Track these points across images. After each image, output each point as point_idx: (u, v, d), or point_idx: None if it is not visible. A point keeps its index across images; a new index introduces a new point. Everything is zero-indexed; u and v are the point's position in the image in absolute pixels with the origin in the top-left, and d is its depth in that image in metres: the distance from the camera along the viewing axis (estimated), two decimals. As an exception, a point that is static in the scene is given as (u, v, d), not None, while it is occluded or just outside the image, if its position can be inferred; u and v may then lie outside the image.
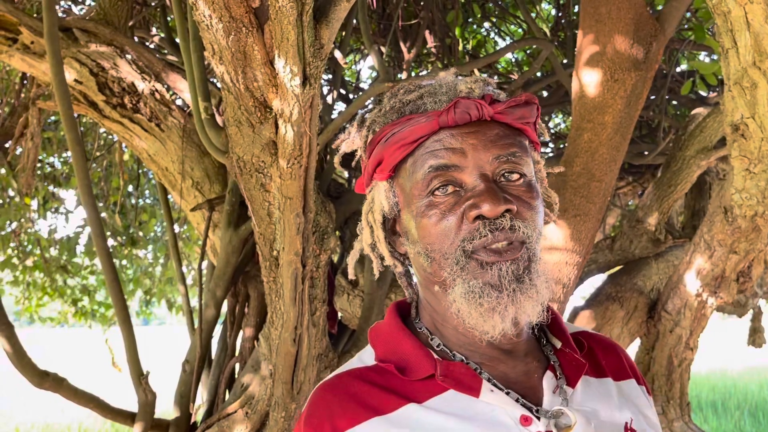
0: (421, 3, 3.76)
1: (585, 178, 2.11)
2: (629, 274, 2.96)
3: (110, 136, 4.76)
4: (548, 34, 4.04)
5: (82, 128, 4.28)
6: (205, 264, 2.76)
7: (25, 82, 3.36)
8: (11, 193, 4.94)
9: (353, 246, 0.93)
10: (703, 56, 4.13)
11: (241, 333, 2.65)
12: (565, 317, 2.45)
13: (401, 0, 3.46)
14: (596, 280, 3.16)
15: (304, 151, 1.52)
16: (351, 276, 0.95)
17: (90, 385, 2.33)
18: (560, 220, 2.11)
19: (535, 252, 0.78)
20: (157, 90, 2.45)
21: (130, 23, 2.67)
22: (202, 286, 2.52)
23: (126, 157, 4.75)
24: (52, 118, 4.54)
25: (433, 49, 4.08)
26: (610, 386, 0.85)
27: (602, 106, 2.08)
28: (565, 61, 3.92)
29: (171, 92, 2.75)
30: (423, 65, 4.55)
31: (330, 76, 4.09)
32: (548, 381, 0.80)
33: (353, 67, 4.89)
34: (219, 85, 1.63)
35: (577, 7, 3.95)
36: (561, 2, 4.23)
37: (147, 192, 5.73)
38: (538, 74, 4.18)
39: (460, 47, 4.17)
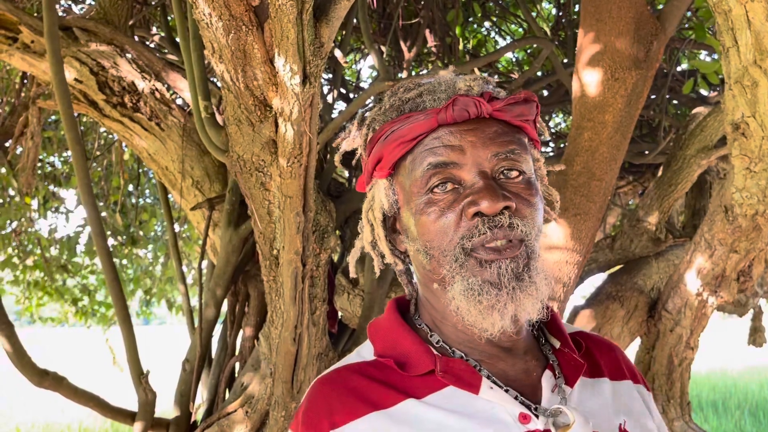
0: (422, 2, 3.76)
1: (585, 176, 2.11)
2: (630, 273, 2.96)
3: (110, 136, 4.76)
4: (549, 33, 4.04)
5: (82, 127, 4.28)
6: (205, 263, 2.76)
7: (25, 81, 3.35)
8: (11, 192, 4.94)
9: (354, 244, 0.93)
10: (703, 55, 4.13)
11: (241, 332, 2.65)
12: (565, 316, 2.45)
13: (401, -1, 3.46)
14: (596, 280, 3.16)
15: (304, 150, 1.52)
16: (352, 274, 0.95)
17: (90, 384, 2.33)
18: (560, 219, 2.11)
19: (535, 249, 0.78)
20: (157, 89, 2.44)
21: (131, 22, 2.66)
22: (202, 285, 2.52)
23: (126, 156, 4.75)
24: (53, 117, 4.54)
25: (433, 49, 4.08)
26: (607, 387, 0.85)
27: (603, 104, 2.08)
28: (565, 60, 3.92)
29: (171, 91, 2.75)
30: (423, 64, 4.55)
31: (330, 76, 4.08)
32: (547, 380, 0.80)
33: (353, 66, 4.89)
34: (219, 83, 1.63)
35: (577, 6, 3.95)
36: (561, 1, 4.23)
37: (147, 191, 5.73)
38: (539, 73, 4.18)
39: (461, 46, 4.17)
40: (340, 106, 4.53)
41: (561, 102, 4.11)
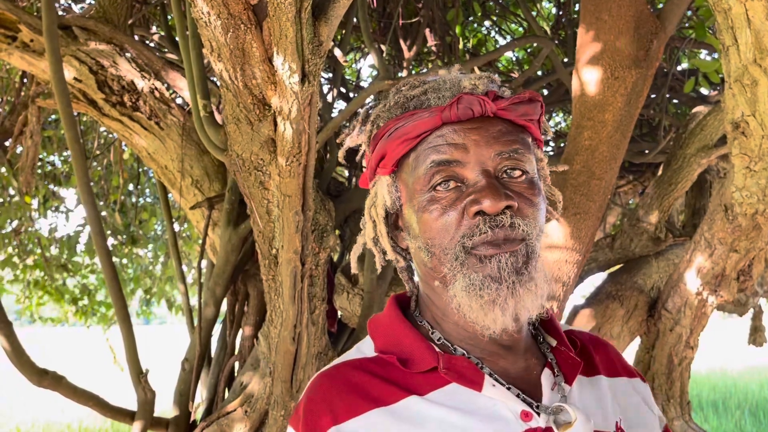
0: (421, 1, 3.76)
1: (585, 176, 2.11)
2: (629, 273, 2.95)
3: (110, 135, 4.76)
4: (549, 32, 4.03)
5: (82, 127, 4.28)
6: (204, 262, 2.75)
7: (24, 80, 3.35)
8: (11, 191, 4.94)
9: (356, 241, 0.93)
10: (703, 54, 4.12)
11: (240, 331, 2.65)
12: (565, 315, 2.45)
13: (401, -2, 3.46)
14: (596, 279, 3.16)
15: (303, 149, 1.52)
16: (354, 270, 0.95)
17: (90, 384, 2.33)
18: (560, 218, 2.11)
19: (535, 249, 0.78)
20: (156, 88, 2.44)
21: (130, 21, 2.66)
22: (201, 284, 2.52)
23: (126, 155, 4.75)
24: (53, 116, 4.54)
25: (433, 48, 4.08)
26: (603, 384, 0.86)
27: (602, 103, 2.08)
28: (565, 59, 3.91)
29: (170, 90, 2.75)
30: (423, 64, 4.54)
31: (330, 75, 4.08)
32: (546, 378, 0.80)
33: (353, 65, 4.88)
34: (218, 82, 1.63)
35: (577, 5, 3.94)
36: (561, 0, 4.23)
37: (147, 191, 5.73)
38: (539, 72, 4.18)
39: (461, 46, 4.16)
40: (340, 105, 4.53)
41: (561, 101, 4.11)
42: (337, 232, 2.75)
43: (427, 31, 3.85)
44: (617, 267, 3.14)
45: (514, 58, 4.91)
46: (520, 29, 4.68)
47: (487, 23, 4.64)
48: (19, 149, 3.92)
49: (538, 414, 0.75)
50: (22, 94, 3.35)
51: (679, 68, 4.02)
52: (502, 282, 0.74)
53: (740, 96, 1.43)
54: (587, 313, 2.80)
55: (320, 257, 1.99)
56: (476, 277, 0.75)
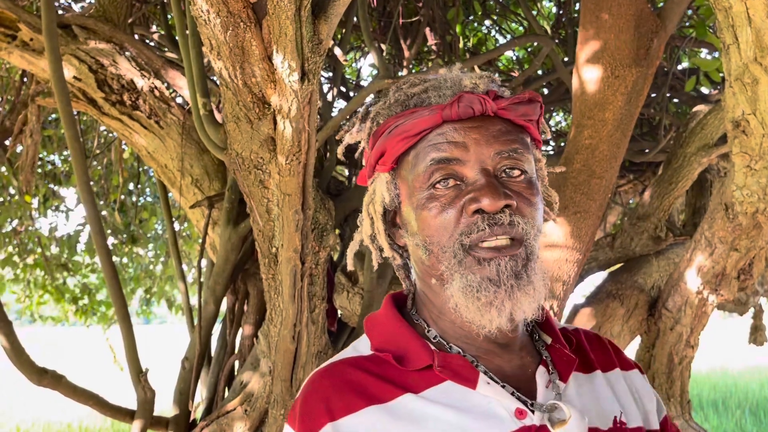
0: (422, 0, 3.75)
1: (585, 175, 2.11)
2: (630, 272, 2.95)
3: (110, 134, 4.75)
4: (549, 31, 4.03)
5: (82, 126, 4.28)
6: (204, 262, 2.75)
7: (24, 79, 3.35)
8: (12, 191, 4.94)
9: (353, 238, 0.93)
10: (704, 54, 4.12)
11: (240, 330, 2.64)
12: (565, 314, 2.45)
13: (401, -3, 3.45)
14: (597, 278, 3.16)
15: (303, 148, 1.52)
16: (350, 268, 0.95)
17: (90, 384, 2.33)
18: (560, 217, 2.10)
19: (533, 250, 0.78)
20: (156, 87, 2.44)
21: (130, 20, 2.66)
22: (201, 283, 2.52)
23: (126, 155, 4.75)
24: (53, 116, 4.54)
25: (433, 47, 4.07)
26: (600, 380, 0.86)
27: (603, 102, 2.07)
28: (566, 59, 3.91)
29: (170, 89, 2.75)
30: (423, 63, 4.54)
31: (330, 74, 4.08)
32: (541, 376, 0.80)
33: (354, 64, 4.88)
34: (218, 81, 1.63)
35: (578, 4, 3.94)
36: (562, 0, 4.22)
37: (147, 190, 5.73)
38: (539, 72, 4.17)
39: (461, 45, 4.16)
40: (340, 104, 4.52)
41: (561, 100, 4.11)
42: (337, 231, 2.75)
43: (427, 30, 3.85)
44: (618, 266, 3.14)
45: (514, 58, 4.91)
46: (521, 28, 4.67)
47: (487, 22, 4.64)
48: (19, 148, 3.92)
49: (533, 412, 0.76)
50: (22, 93, 3.35)
51: (679, 67, 4.01)
52: (501, 285, 0.74)
53: (741, 94, 1.43)
54: (587, 312, 2.80)
55: (320, 256, 1.99)
56: (474, 278, 0.75)
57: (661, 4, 3.12)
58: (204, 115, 1.79)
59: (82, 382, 2.27)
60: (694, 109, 3.22)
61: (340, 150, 0.96)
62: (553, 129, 5.10)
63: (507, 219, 0.75)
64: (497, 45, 4.65)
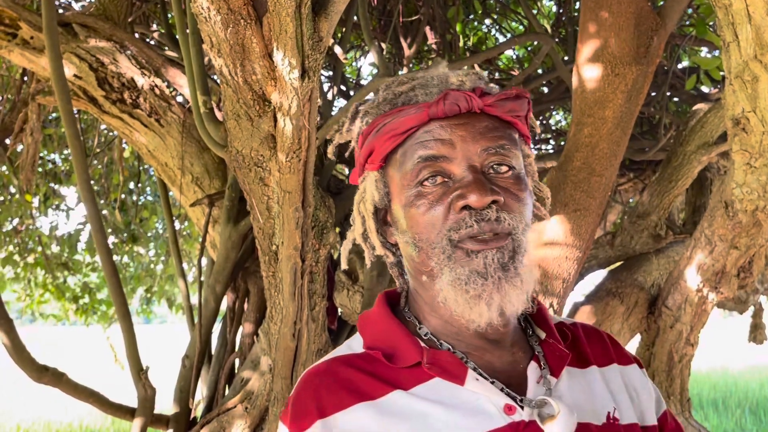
0: (422, -1, 3.75)
1: (585, 172, 2.11)
2: (630, 270, 2.95)
3: (110, 133, 4.76)
4: (549, 30, 4.03)
5: (82, 125, 4.28)
6: (204, 260, 2.76)
7: (25, 77, 3.35)
8: (12, 189, 4.94)
9: (347, 237, 0.94)
10: (704, 52, 4.12)
11: (240, 328, 2.65)
12: (565, 312, 2.45)
13: (402, -4, 3.45)
14: (597, 276, 3.16)
15: (303, 145, 1.52)
16: (344, 266, 0.96)
17: (91, 383, 2.33)
18: (560, 215, 2.10)
19: (521, 244, 0.78)
20: (156, 85, 2.44)
21: (130, 19, 2.66)
22: (201, 281, 2.52)
23: (126, 153, 4.75)
24: (53, 114, 4.54)
25: (433, 46, 4.07)
26: (595, 376, 0.86)
27: (603, 100, 2.07)
28: (566, 57, 3.91)
29: (171, 88, 2.75)
30: (423, 61, 4.54)
31: (331, 73, 4.08)
32: (532, 371, 0.80)
33: (354, 63, 4.88)
34: (218, 79, 1.63)
35: (578, 3, 3.94)
36: (562, -2, 4.22)
37: (148, 189, 5.73)
38: (539, 70, 4.17)
39: (461, 44, 4.16)
40: (341, 103, 4.53)
41: (561, 99, 4.11)
42: (337, 228, 2.75)
43: (427, 28, 3.85)
44: (618, 264, 3.14)
45: (514, 56, 4.91)
46: (521, 27, 4.67)
47: (487, 21, 4.64)
48: (19, 147, 3.92)
49: (522, 407, 0.76)
50: (23, 91, 3.35)
51: (679, 66, 4.01)
52: (488, 278, 0.75)
53: (741, 92, 1.43)
54: (587, 310, 2.80)
55: (320, 254, 1.99)
56: (462, 271, 0.76)
57: (661, 3, 3.12)
58: (204, 112, 1.79)
59: (82, 380, 2.27)
60: (694, 107, 3.22)
61: (330, 150, 0.97)
62: (554, 127, 5.10)
63: (494, 215, 0.76)
64: (497, 44, 4.65)
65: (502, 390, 0.77)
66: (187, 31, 1.82)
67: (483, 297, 0.75)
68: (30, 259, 5.58)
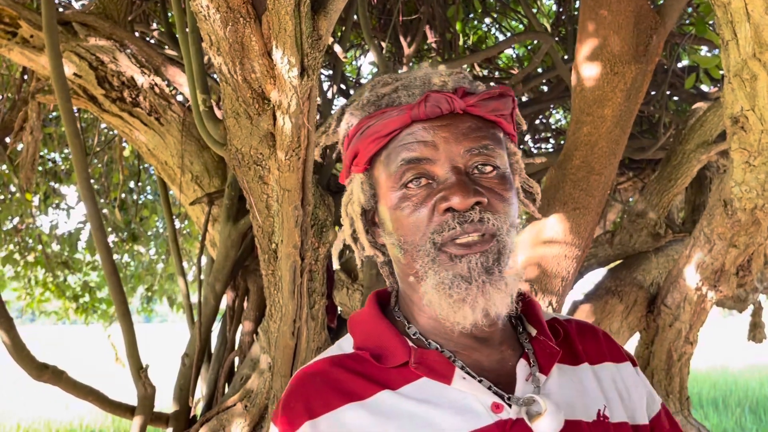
0: (422, -2, 3.75)
1: (584, 171, 2.11)
2: (629, 269, 2.95)
3: (110, 132, 4.76)
4: (549, 29, 4.03)
5: (83, 124, 4.28)
6: (204, 258, 2.76)
7: (25, 76, 3.36)
8: (12, 188, 4.94)
9: (338, 237, 0.94)
10: (704, 51, 4.12)
11: (240, 327, 2.65)
12: (564, 311, 2.45)
13: (401, -6, 3.45)
14: (596, 275, 3.16)
15: (302, 143, 1.52)
16: (335, 266, 0.96)
17: (91, 381, 2.33)
18: (560, 213, 2.11)
19: (506, 245, 0.78)
20: (156, 84, 2.44)
21: (130, 17, 2.66)
22: (201, 280, 2.52)
23: (126, 152, 4.75)
24: (53, 113, 4.55)
25: (433, 45, 4.07)
26: (586, 373, 0.85)
27: (602, 99, 2.08)
28: (565, 56, 3.91)
29: (170, 86, 2.75)
30: (423, 60, 4.54)
31: (330, 72, 4.08)
32: (521, 369, 0.80)
33: (353, 62, 4.88)
34: (217, 77, 1.64)
35: (577, 1, 3.94)
36: (562, -3, 4.22)
37: (148, 188, 5.73)
38: (539, 69, 4.18)
39: (461, 42, 4.16)
40: (340, 101, 4.53)
41: (561, 98, 4.11)
42: (336, 227, 2.75)
43: (427, 27, 3.85)
44: (617, 263, 3.14)
45: (514, 55, 4.91)
46: (521, 26, 4.67)
47: (487, 20, 4.64)
48: (19, 146, 3.92)
49: (510, 405, 0.76)
50: (23, 90, 3.35)
51: (679, 65, 4.02)
52: (472, 282, 0.75)
53: (739, 91, 1.43)
54: (586, 308, 2.80)
55: (320, 252, 1.99)
56: (446, 275, 0.76)
57: (661, 1, 3.12)
58: (204, 111, 1.79)
59: (82, 379, 2.27)
60: (694, 106, 3.22)
61: (317, 152, 0.97)
62: (553, 127, 5.10)
63: (477, 216, 0.76)
64: (497, 42, 4.65)
65: (489, 388, 0.78)
66: (187, 29, 1.82)
67: (467, 301, 0.75)
68: (30, 258, 5.59)
